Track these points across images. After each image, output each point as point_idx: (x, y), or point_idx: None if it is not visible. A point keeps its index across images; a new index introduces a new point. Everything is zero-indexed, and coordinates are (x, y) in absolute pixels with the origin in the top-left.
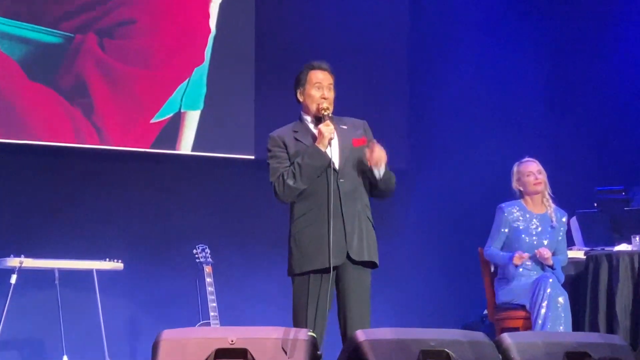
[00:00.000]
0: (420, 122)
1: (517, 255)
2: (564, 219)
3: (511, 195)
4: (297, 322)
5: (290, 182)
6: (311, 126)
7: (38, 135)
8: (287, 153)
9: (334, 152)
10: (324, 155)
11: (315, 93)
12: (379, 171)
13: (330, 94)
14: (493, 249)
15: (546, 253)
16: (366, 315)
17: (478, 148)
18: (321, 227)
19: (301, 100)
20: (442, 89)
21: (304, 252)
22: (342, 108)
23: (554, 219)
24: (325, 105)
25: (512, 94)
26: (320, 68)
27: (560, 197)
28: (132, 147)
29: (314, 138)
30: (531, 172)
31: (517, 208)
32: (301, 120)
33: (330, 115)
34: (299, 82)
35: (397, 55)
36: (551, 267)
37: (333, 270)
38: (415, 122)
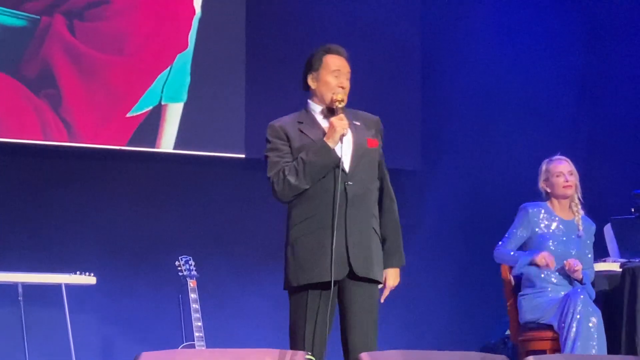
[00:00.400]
0: (434, 118)
1: (544, 254)
2: (592, 229)
3: (537, 198)
4: (294, 343)
5: (291, 179)
6: (319, 117)
7: None
8: (290, 146)
9: (344, 151)
10: (333, 153)
11: (332, 80)
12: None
13: (348, 84)
14: (505, 249)
15: (577, 265)
16: (372, 337)
17: (498, 146)
18: (323, 235)
19: (313, 86)
20: (457, 83)
21: (302, 262)
22: (350, 105)
23: (580, 228)
24: (340, 96)
25: (537, 85)
26: (338, 53)
27: (593, 202)
28: (106, 144)
29: (323, 132)
30: (562, 172)
31: (543, 210)
32: (307, 109)
33: (343, 107)
34: (311, 65)
35: (409, 47)
36: (580, 281)
37: (334, 285)
38: (428, 119)
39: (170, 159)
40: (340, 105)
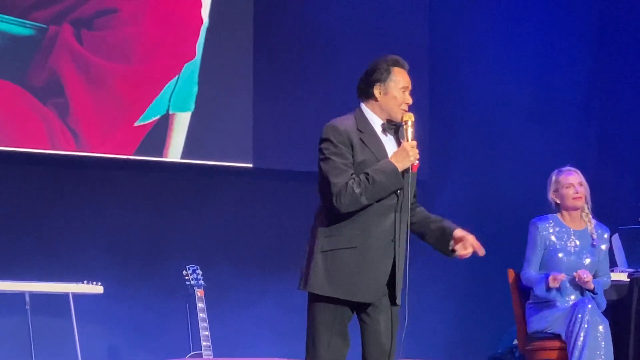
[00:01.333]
0: (442, 127)
1: (551, 277)
2: (606, 236)
3: (545, 207)
4: (314, 352)
5: (359, 195)
6: (378, 130)
7: (6, 140)
8: (353, 156)
9: None
10: (400, 180)
11: (400, 96)
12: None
13: (411, 101)
14: (530, 271)
15: (586, 276)
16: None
17: (506, 155)
18: (369, 254)
19: (379, 98)
20: (465, 90)
21: (340, 276)
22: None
23: (594, 236)
24: (407, 116)
25: (545, 93)
26: (404, 67)
27: (601, 211)
28: (114, 153)
29: (383, 147)
30: (571, 184)
31: (552, 223)
32: (363, 117)
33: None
34: (380, 76)
35: (416, 55)
36: (592, 291)
37: (367, 305)
38: (436, 128)
39: (177, 169)
40: (410, 129)
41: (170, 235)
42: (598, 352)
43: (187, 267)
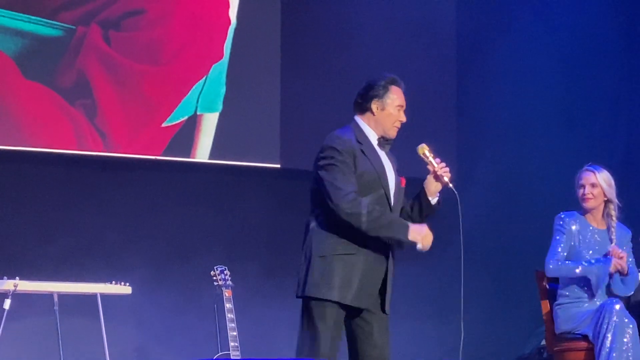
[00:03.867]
0: (469, 127)
1: (614, 263)
2: (629, 236)
3: (572, 206)
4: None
5: (364, 221)
6: (374, 143)
7: (34, 141)
8: (355, 166)
9: (390, 185)
10: (405, 236)
11: (395, 113)
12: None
13: (405, 120)
14: (556, 261)
15: (621, 252)
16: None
17: (534, 155)
18: (363, 261)
19: (375, 112)
20: (493, 90)
21: (336, 279)
22: None
23: (614, 238)
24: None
25: (573, 92)
26: (401, 87)
27: (629, 210)
28: (142, 154)
29: (380, 160)
30: (583, 184)
31: (576, 220)
32: (360, 130)
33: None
34: (377, 92)
35: (445, 55)
36: (623, 272)
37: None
38: (463, 128)
39: (205, 169)
40: (430, 158)
41: (198, 236)
42: (625, 354)
43: (215, 267)
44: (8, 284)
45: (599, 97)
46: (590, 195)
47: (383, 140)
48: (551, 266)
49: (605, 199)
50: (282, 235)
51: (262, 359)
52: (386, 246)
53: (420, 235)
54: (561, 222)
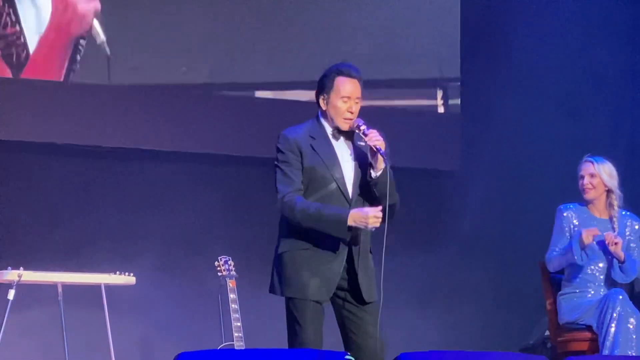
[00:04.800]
0: (474, 118)
1: (584, 231)
2: (637, 226)
3: (576, 197)
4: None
5: (299, 216)
6: (330, 136)
7: (37, 132)
8: (302, 163)
9: (347, 177)
10: (344, 232)
11: (341, 106)
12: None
13: (357, 108)
14: (552, 255)
15: (616, 238)
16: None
17: (538, 145)
18: (318, 254)
19: (324, 108)
20: (497, 81)
21: (290, 276)
22: (389, 96)
23: (616, 227)
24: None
25: (577, 83)
26: (349, 76)
27: (633, 202)
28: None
29: (334, 152)
30: (582, 174)
31: (575, 210)
32: (319, 123)
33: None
34: (323, 87)
35: (448, 45)
36: (620, 260)
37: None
38: (468, 117)
39: (210, 160)
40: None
41: (203, 227)
42: (630, 343)
43: (219, 257)
44: (12, 275)
45: (604, 88)
46: (589, 186)
47: (336, 133)
48: (549, 262)
49: (607, 189)
50: None
51: (266, 349)
52: (342, 240)
53: (364, 217)
54: (558, 215)
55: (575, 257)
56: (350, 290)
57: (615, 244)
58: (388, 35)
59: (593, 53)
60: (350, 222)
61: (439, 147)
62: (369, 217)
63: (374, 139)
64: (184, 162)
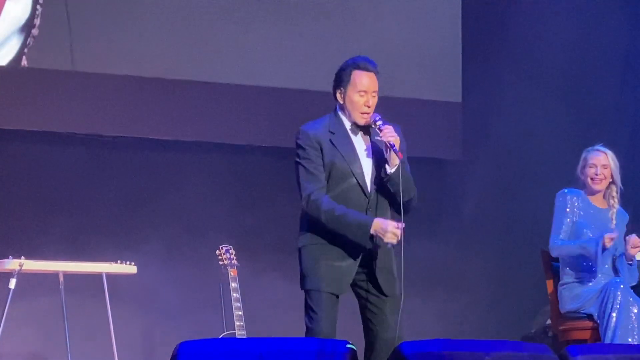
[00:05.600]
0: (474, 107)
1: (607, 236)
2: (625, 219)
3: (575, 186)
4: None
5: (323, 217)
6: (349, 130)
7: (38, 121)
8: (322, 159)
9: (365, 172)
10: (366, 240)
11: (358, 99)
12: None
13: (374, 102)
14: (559, 240)
15: (638, 241)
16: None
17: (538, 135)
18: (335, 248)
19: (341, 102)
20: (498, 69)
21: (309, 269)
22: (391, 86)
23: (614, 221)
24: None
25: (579, 71)
26: (366, 69)
27: (634, 193)
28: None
29: (353, 147)
30: (594, 164)
31: (579, 198)
32: (337, 118)
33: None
34: (340, 81)
35: (451, 34)
36: (629, 259)
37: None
38: (469, 107)
39: (212, 149)
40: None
41: (204, 215)
42: (630, 333)
43: (220, 246)
44: (13, 264)
45: (605, 77)
46: (602, 176)
47: (355, 128)
48: (554, 246)
49: (611, 180)
50: (289, 213)
51: (268, 338)
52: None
53: (383, 230)
54: (562, 199)
55: (594, 259)
56: (371, 281)
57: (637, 247)
58: (390, 26)
59: (594, 42)
60: (372, 231)
61: (441, 136)
62: (387, 232)
63: (389, 135)
64: (185, 151)
